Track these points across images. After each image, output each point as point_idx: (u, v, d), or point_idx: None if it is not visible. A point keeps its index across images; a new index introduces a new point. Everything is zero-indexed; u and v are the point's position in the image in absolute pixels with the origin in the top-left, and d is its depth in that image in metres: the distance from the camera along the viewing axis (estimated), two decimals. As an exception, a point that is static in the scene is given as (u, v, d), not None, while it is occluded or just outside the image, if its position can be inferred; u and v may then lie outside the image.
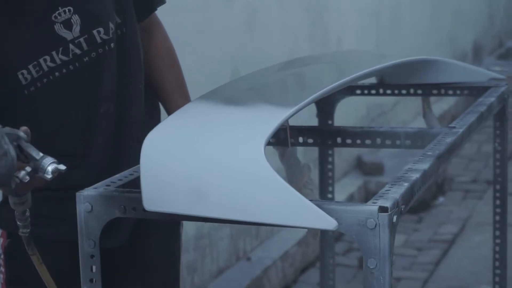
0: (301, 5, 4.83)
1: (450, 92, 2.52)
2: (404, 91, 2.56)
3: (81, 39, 1.87)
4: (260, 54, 4.20)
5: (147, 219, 1.81)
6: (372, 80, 2.59)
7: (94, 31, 1.88)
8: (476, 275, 4.23)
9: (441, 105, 6.90)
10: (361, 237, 1.36)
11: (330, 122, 2.61)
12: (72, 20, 1.85)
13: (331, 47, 5.21)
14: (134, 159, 1.96)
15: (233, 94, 1.88)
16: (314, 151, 2.85)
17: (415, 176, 1.55)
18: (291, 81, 2.04)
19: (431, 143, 1.82)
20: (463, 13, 8.68)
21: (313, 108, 2.54)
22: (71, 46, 1.86)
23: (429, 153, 1.72)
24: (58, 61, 1.85)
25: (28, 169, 1.61)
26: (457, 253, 4.61)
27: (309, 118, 2.59)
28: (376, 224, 1.35)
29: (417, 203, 4.78)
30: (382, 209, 1.36)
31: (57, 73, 1.86)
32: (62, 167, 1.63)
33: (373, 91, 2.62)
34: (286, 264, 4.30)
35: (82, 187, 1.86)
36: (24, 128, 1.63)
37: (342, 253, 4.64)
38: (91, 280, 1.57)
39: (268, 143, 1.49)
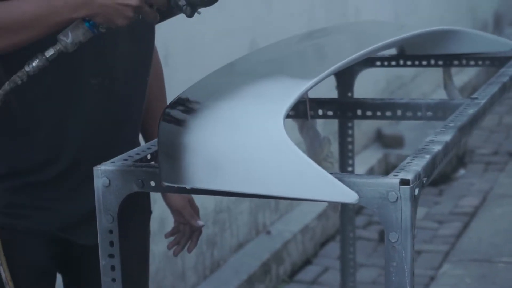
0: (319, -24, 4.79)
1: (472, 62, 2.48)
2: (424, 62, 2.53)
3: None
4: (278, 26, 4.17)
5: (124, 216, 1.79)
6: (392, 51, 2.56)
7: None
8: (497, 248, 4.21)
9: (462, 76, 6.85)
10: (382, 210, 1.34)
11: (349, 94, 2.58)
12: None
13: (349, 18, 5.17)
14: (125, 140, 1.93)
15: (251, 66, 1.85)
16: (334, 124, 2.83)
17: (436, 148, 1.53)
18: (310, 53, 2.01)
19: (452, 114, 1.79)
20: (483, -17, 8.60)
21: (332, 80, 2.52)
22: None
23: (450, 124, 1.69)
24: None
25: None
26: (478, 226, 4.59)
27: (329, 90, 2.57)
28: (397, 197, 1.33)
29: (437, 176, 4.75)
30: (404, 182, 1.33)
31: None
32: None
33: (393, 63, 2.58)
34: (306, 238, 4.29)
35: (60, 170, 1.82)
36: None
37: (362, 226, 4.63)
38: (111, 255, 1.56)
39: (288, 116, 1.46)
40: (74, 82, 1.81)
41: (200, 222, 2.17)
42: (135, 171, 1.52)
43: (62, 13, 1.60)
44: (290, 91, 1.53)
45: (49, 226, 1.88)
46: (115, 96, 1.87)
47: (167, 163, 1.45)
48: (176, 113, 1.51)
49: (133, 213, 1.95)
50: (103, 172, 1.53)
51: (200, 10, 1.64)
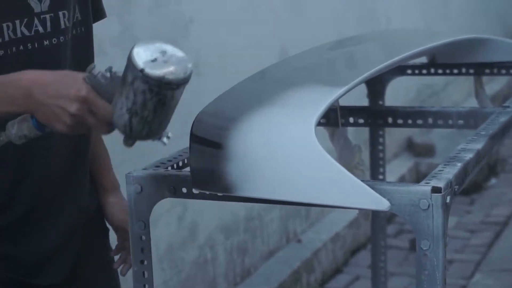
0: (350, -15, 4.79)
1: (503, 71, 2.47)
2: (455, 71, 2.52)
3: (47, 16, 1.72)
4: (307, 34, 4.17)
5: (85, 255, 1.77)
6: (423, 59, 2.55)
7: (60, 13, 1.74)
8: (529, 258, 4.18)
9: (493, 85, 6.80)
10: (413, 218, 1.34)
11: (380, 102, 2.58)
12: None
13: (379, 26, 5.16)
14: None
15: (282, 74, 1.86)
16: (365, 132, 2.82)
17: (468, 156, 1.52)
18: (341, 61, 2.02)
19: (484, 122, 1.79)
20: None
21: (363, 88, 2.52)
22: (36, 20, 1.71)
23: (482, 132, 1.69)
24: (19, 34, 1.68)
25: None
26: (510, 236, 4.55)
27: (360, 98, 2.57)
28: (429, 205, 1.33)
29: (469, 185, 4.72)
30: (435, 190, 1.33)
31: (14, 48, 1.68)
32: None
33: (424, 71, 2.58)
34: (336, 246, 4.28)
35: (16, 216, 1.76)
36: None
37: (393, 235, 4.60)
38: (142, 262, 1.57)
39: (319, 124, 1.47)
40: None
41: None
42: (167, 177, 1.53)
43: (0, 105, 1.53)
44: (321, 99, 1.53)
45: (7, 273, 1.80)
46: (70, 141, 1.81)
47: (198, 169, 1.45)
48: (208, 120, 1.52)
49: (94, 236, 1.94)
50: (135, 179, 1.54)
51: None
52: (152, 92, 1.39)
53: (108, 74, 1.46)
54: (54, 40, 1.73)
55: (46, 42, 1.71)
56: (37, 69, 1.57)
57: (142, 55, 1.39)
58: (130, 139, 1.48)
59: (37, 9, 1.70)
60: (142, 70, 1.38)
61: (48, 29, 1.72)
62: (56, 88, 1.48)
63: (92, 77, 1.46)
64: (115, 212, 1.98)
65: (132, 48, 1.40)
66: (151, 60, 1.39)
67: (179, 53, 1.43)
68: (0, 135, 1.58)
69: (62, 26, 1.74)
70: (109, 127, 1.49)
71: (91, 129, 1.53)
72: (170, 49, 1.42)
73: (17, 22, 1.67)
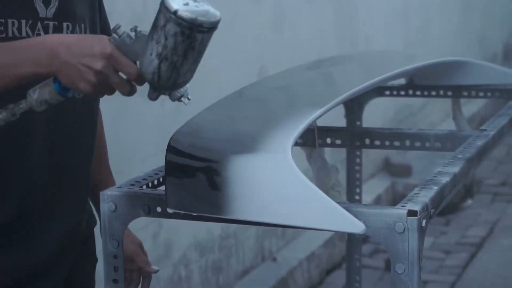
0: (329, 4, 4.80)
1: (481, 94, 2.48)
2: (433, 93, 2.53)
3: (51, 24, 1.70)
4: (287, 53, 4.18)
5: (75, 281, 1.76)
6: (401, 81, 2.56)
7: (64, 24, 1.72)
8: (504, 279, 4.19)
9: (470, 107, 6.84)
10: (389, 241, 1.34)
11: (358, 123, 2.58)
12: None
13: (359, 46, 5.18)
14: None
15: (260, 93, 1.86)
16: (341, 152, 2.82)
17: (445, 179, 1.52)
18: (320, 81, 2.01)
19: (461, 146, 1.79)
20: (493, 14, 8.61)
21: (340, 108, 2.52)
22: (39, 24, 1.69)
23: (459, 156, 1.69)
24: (24, 33, 1.66)
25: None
26: (485, 257, 4.56)
27: (336, 118, 2.57)
28: (404, 228, 1.33)
29: (445, 206, 4.74)
30: (411, 213, 1.33)
31: None
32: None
33: (403, 92, 2.58)
34: (312, 265, 4.28)
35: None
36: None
37: (369, 254, 4.60)
38: (114, 281, 1.56)
39: (296, 144, 1.46)
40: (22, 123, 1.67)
41: (155, 267, 2.01)
42: (141, 196, 1.52)
43: (23, 66, 1.51)
44: (299, 119, 1.53)
45: None
46: (63, 131, 1.77)
47: (174, 189, 1.44)
48: (183, 139, 1.51)
49: (84, 263, 1.91)
50: (109, 197, 1.53)
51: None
52: (184, 34, 1.42)
53: (133, 34, 1.49)
54: None
55: None
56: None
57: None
58: (155, 91, 1.50)
59: (42, 14, 1.69)
60: (175, 12, 1.41)
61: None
62: (81, 47, 1.48)
63: (117, 36, 1.48)
64: (125, 242, 1.87)
65: None
66: (183, 4, 1.42)
67: (208, 4, 1.46)
68: (20, 103, 1.56)
69: None
70: (132, 87, 1.50)
71: (114, 89, 1.51)
72: None
73: (23, 21, 1.66)
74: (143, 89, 1.61)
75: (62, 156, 1.79)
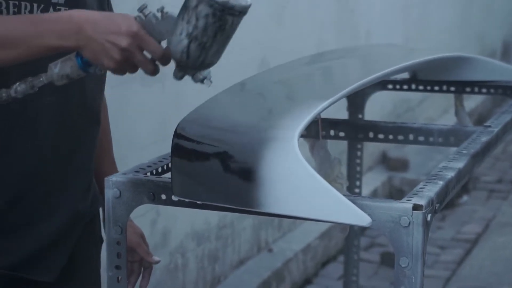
0: (332, -3, 4.80)
1: (484, 90, 2.48)
2: (436, 88, 2.53)
3: (62, 9, 1.70)
4: (288, 45, 4.17)
5: (79, 259, 1.78)
6: (404, 75, 2.56)
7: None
8: (498, 276, 4.19)
9: (469, 103, 6.84)
10: (394, 234, 1.34)
11: (360, 116, 2.58)
12: None
13: (359, 40, 5.17)
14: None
15: (265, 85, 1.85)
16: (341, 145, 2.82)
17: (450, 174, 1.53)
18: (326, 73, 2.01)
19: (466, 141, 1.79)
20: (493, 10, 8.61)
21: (343, 101, 2.51)
22: (51, 9, 1.69)
23: (464, 151, 1.69)
24: None
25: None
26: (480, 253, 4.57)
27: (337, 111, 2.56)
28: (410, 222, 1.33)
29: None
30: (417, 207, 1.33)
31: None
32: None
33: (405, 86, 2.58)
34: (307, 257, 4.28)
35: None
36: None
37: (364, 248, 4.61)
38: (117, 267, 1.56)
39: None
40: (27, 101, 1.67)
41: (156, 258, 2.02)
42: (146, 183, 1.52)
43: (48, 38, 1.50)
44: (305, 111, 1.52)
45: None
46: (68, 118, 1.77)
47: (179, 177, 1.44)
48: (190, 127, 1.51)
49: (88, 244, 1.90)
50: (114, 183, 1.53)
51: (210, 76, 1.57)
52: (215, 16, 1.44)
53: (159, 14, 1.50)
54: None
55: None
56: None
57: None
58: (181, 70, 1.51)
59: None
60: None
61: None
62: (107, 24, 1.48)
63: (143, 16, 1.49)
64: (128, 233, 1.86)
65: None
66: None
67: None
68: (40, 76, 1.56)
69: None
70: (156, 66, 1.51)
71: (137, 68, 1.52)
72: None
73: (35, 5, 1.67)
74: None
75: (66, 145, 1.79)
